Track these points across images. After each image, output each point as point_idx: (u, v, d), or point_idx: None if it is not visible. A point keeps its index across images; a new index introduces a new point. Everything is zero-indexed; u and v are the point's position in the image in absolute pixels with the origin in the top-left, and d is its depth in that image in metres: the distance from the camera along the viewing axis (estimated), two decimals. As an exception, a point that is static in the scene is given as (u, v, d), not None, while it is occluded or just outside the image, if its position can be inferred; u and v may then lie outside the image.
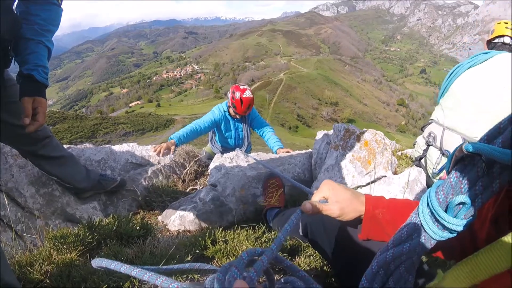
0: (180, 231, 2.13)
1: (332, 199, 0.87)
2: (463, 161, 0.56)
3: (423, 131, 2.26)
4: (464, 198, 0.54)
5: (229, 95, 3.40)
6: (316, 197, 0.90)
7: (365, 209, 0.86)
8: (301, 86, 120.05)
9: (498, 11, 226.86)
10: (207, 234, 1.30)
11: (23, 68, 1.41)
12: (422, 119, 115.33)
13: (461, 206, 0.56)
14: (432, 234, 0.61)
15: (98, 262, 0.62)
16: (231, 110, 3.47)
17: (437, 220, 0.60)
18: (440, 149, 2.03)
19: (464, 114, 1.88)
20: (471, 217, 0.56)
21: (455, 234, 0.59)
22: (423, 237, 0.63)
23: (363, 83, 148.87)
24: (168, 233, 2.11)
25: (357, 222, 0.90)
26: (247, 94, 3.31)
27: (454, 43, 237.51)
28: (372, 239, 0.89)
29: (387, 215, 0.84)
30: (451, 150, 1.93)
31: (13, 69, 1.56)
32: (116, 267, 0.58)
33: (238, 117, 3.50)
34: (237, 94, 3.29)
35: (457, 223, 0.56)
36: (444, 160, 2.02)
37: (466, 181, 0.55)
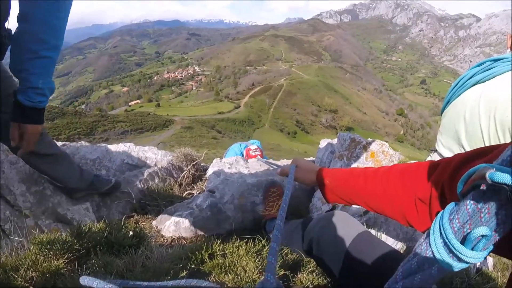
0: (174, 237, 2.04)
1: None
2: (481, 187, 0.49)
3: (431, 154, 1.93)
4: (485, 230, 0.48)
5: (244, 152, 3.76)
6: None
7: (316, 177, 1.10)
8: (301, 92, 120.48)
9: (500, 24, 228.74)
10: (204, 247, 1.21)
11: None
12: (420, 129, 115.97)
13: (480, 237, 0.49)
14: (446, 265, 0.54)
15: (88, 282, 0.54)
16: None
17: (451, 252, 0.53)
18: None
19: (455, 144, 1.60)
20: (491, 247, 0.50)
21: (471, 264, 0.54)
22: (435, 268, 0.56)
23: (363, 91, 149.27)
24: (162, 240, 2.01)
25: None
26: None
27: (455, 55, 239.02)
28: (335, 202, 1.10)
29: (334, 182, 1.05)
30: None
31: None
32: None
33: None
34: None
35: (476, 256, 0.50)
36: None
37: (486, 210, 0.48)
